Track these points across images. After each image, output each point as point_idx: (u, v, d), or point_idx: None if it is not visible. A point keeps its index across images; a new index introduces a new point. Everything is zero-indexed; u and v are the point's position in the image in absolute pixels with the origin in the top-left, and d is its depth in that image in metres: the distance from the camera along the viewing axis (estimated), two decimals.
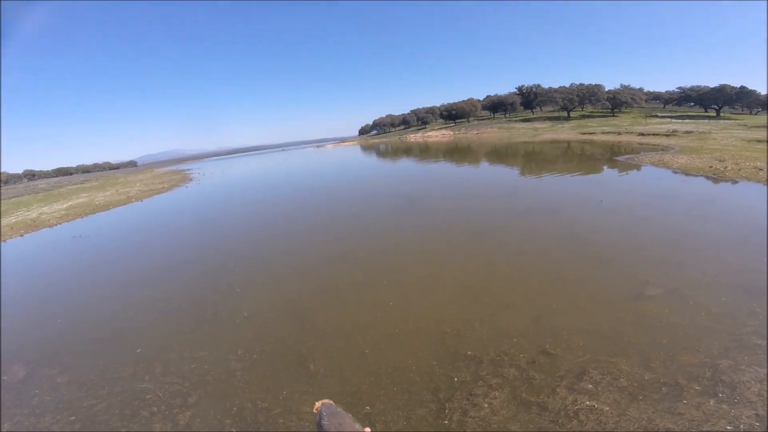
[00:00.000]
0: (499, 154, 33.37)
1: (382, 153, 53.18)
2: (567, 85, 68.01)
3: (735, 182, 14.44)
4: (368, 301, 7.09)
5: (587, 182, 17.03)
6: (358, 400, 4.50)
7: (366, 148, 70.22)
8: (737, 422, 3.58)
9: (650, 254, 7.91)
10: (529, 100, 73.71)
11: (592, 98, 64.75)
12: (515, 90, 76.86)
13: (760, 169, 15.62)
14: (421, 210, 14.10)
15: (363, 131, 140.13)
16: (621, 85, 65.42)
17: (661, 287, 6.35)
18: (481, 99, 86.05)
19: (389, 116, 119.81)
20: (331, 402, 1.64)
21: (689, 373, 4.30)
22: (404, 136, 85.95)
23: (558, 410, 3.97)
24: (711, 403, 3.84)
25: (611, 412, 3.86)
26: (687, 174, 16.67)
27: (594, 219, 10.80)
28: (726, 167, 16.80)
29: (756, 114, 60.98)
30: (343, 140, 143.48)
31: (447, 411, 4.15)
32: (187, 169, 67.71)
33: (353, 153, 61.24)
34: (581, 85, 65.71)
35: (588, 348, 4.95)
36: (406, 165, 33.46)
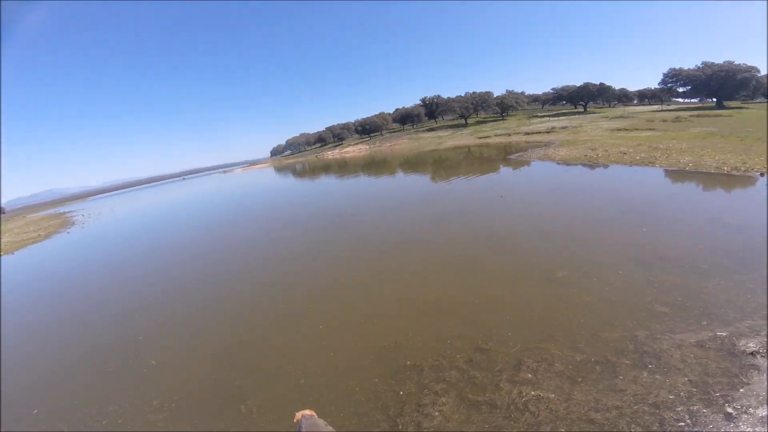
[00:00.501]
0: (412, 164, 34.81)
1: (299, 173, 51.86)
2: (462, 94, 74.30)
3: (606, 166, 16.95)
4: (295, 328, 6.61)
5: (489, 181, 18.52)
6: None
7: (281, 170, 67.94)
8: (677, 390, 3.74)
9: (551, 240, 8.74)
10: (432, 110, 78.75)
11: (484, 105, 71.59)
12: (420, 102, 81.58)
13: (624, 153, 18.60)
14: (343, 227, 13.85)
15: (275, 152, 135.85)
16: (506, 90, 74.34)
17: (567, 269, 6.98)
18: (391, 112, 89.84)
19: (303, 135, 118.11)
20: (313, 413, 1.39)
21: (614, 348, 4.59)
22: (321, 153, 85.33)
23: (507, 405, 3.97)
24: (645, 375, 4.05)
25: (558, 399, 3.92)
26: (568, 164, 19.14)
27: (500, 215, 11.67)
28: (598, 154, 19.69)
29: (613, 107, 73.52)
30: (253, 163, 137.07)
31: (400, 427, 3.96)
32: (69, 211, 57.89)
33: (267, 176, 58.64)
34: (474, 93, 72.33)
35: (518, 337, 5.14)
36: (326, 182, 33.03)
